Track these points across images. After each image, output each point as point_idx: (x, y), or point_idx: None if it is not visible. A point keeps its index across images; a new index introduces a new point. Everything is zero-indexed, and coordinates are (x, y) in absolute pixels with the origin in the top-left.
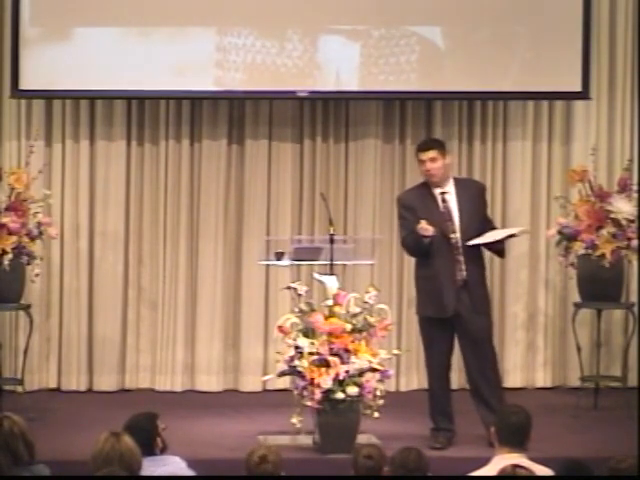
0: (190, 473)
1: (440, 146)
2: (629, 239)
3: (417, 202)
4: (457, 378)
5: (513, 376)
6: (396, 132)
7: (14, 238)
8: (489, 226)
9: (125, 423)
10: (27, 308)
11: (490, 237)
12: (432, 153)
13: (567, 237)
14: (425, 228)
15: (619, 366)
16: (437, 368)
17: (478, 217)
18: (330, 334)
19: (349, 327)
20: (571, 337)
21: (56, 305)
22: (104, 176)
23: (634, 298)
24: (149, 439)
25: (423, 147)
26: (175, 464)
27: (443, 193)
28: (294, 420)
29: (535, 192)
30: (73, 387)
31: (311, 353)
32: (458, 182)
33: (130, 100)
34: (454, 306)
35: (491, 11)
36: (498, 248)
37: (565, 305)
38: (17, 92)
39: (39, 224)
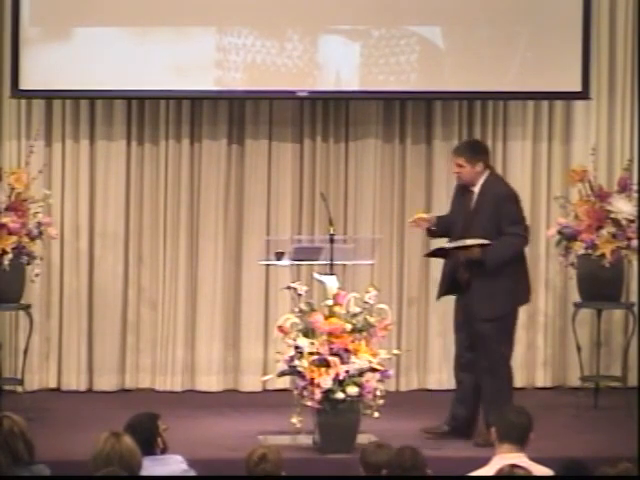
0: (191, 472)
1: (466, 153)
2: (629, 239)
3: (456, 195)
4: None
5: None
6: (396, 132)
7: (14, 238)
8: (498, 240)
9: (126, 422)
10: (27, 308)
11: (460, 242)
12: (459, 160)
13: (567, 237)
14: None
15: (619, 366)
16: (454, 362)
17: (483, 225)
18: (330, 334)
19: (349, 327)
20: (571, 337)
21: (56, 305)
22: (104, 176)
23: (634, 298)
24: (150, 439)
25: (453, 151)
26: (176, 464)
27: (472, 192)
28: (294, 420)
29: (535, 192)
30: (73, 387)
31: (311, 353)
32: (485, 183)
33: (130, 100)
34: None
35: (491, 11)
36: (473, 257)
37: (565, 305)
38: (17, 92)
39: (39, 224)
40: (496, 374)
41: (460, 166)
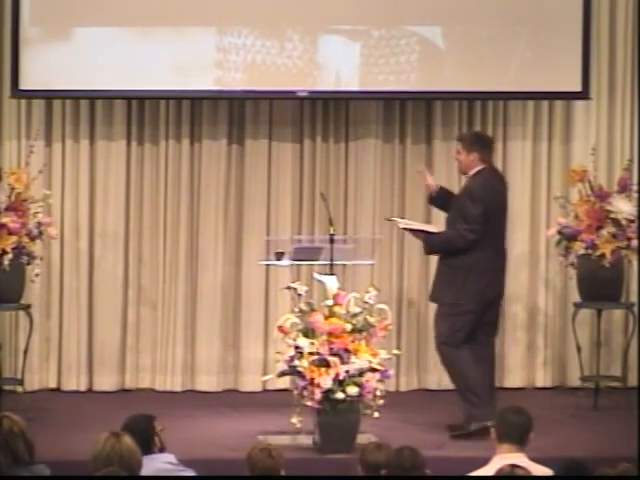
0: (180, 469)
1: (464, 140)
2: (629, 239)
3: None
4: None
5: (513, 376)
6: (396, 132)
7: (14, 238)
8: (443, 231)
9: (122, 424)
10: (27, 308)
11: (410, 224)
12: (458, 146)
13: (567, 237)
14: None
15: (619, 366)
16: None
17: (452, 215)
18: (330, 334)
19: (349, 327)
20: (571, 337)
21: (56, 305)
22: (104, 176)
23: (634, 298)
24: (146, 439)
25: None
26: (160, 463)
27: None
28: (294, 420)
29: (535, 192)
30: (73, 387)
31: (311, 353)
32: (474, 175)
33: (130, 100)
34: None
35: (491, 11)
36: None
37: (565, 305)
38: (17, 92)
39: (39, 224)
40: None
41: (458, 152)
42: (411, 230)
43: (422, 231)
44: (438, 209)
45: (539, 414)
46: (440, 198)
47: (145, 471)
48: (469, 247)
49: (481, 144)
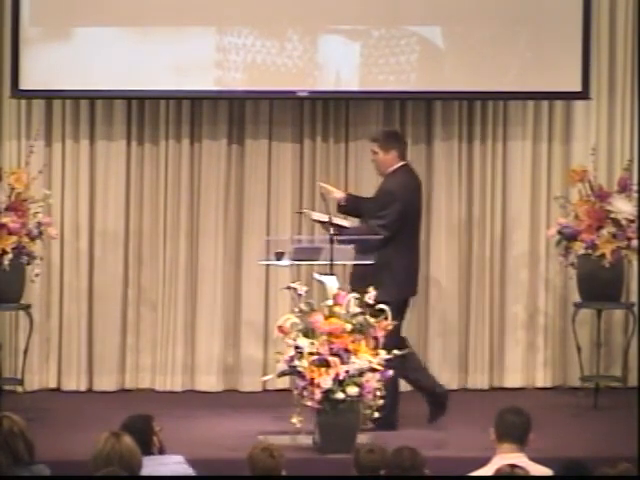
0: (189, 471)
1: (379, 140)
2: (629, 239)
3: None
4: (457, 378)
5: (513, 376)
6: None
7: (14, 238)
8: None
9: (120, 425)
10: (27, 308)
11: (321, 217)
12: (373, 146)
13: (567, 237)
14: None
15: (619, 366)
16: None
17: (367, 215)
18: (330, 334)
19: (349, 327)
20: (571, 337)
21: (56, 305)
22: (104, 176)
23: (634, 298)
24: (145, 439)
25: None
26: (171, 465)
27: None
28: (294, 420)
29: (535, 192)
30: (73, 387)
31: (311, 353)
32: (391, 173)
33: (130, 100)
34: None
35: (491, 11)
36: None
37: (565, 305)
38: (17, 92)
39: (39, 224)
40: None
41: (374, 153)
42: (322, 222)
43: (335, 225)
44: (349, 215)
45: (539, 414)
46: (350, 205)
47: (160, 473)
48: (382, 244)
49: (398, 141)
